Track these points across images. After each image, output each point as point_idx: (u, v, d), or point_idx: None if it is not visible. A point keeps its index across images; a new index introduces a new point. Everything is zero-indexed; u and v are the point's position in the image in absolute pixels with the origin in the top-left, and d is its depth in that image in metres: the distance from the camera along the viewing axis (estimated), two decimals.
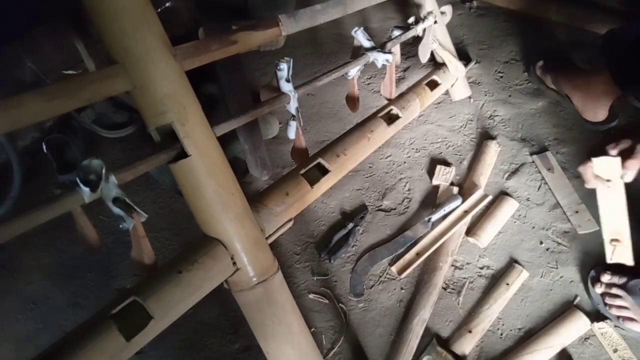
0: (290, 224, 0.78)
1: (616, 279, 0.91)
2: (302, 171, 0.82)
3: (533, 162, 1.18)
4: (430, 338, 0.94)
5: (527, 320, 0.94)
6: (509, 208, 1.08)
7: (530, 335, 0.92)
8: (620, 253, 0.92)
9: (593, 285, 0.93)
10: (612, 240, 0.92)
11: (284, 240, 1.12)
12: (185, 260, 0.62)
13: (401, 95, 1.07)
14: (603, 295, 0.92)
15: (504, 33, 1.49)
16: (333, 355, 0.95)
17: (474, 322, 0.93)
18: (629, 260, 0.92)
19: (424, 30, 1.10)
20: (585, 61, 1.35)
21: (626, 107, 1.22)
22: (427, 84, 1.14)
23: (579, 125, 1.22)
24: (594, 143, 0.94)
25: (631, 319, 0.88)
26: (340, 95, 1.34)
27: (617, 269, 0.93)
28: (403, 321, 0.97)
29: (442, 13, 1.20)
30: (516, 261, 1.02)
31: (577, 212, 1.06)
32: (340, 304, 1.01)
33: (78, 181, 0.54)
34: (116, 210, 0.58)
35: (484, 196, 1.10)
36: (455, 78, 1.25)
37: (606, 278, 0.92)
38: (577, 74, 1.22)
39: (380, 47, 0.95)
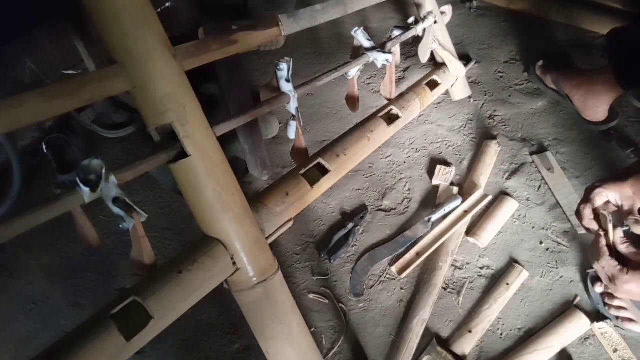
0: (290, 224, 0.78)
1: None
2: (302, 171, 0.82)
3: (533, 162, 1.18)
4: (430, 338, 0.94)
5: (527, 320, 0.94)
6: (509, 208, 1.08)
7: (530, 335, 0.92)
8: None
9: (593, 285, 0.93)
10: None
11: (284, 240, 1.12)
12: (185, 260, 0.62)
13: (401, 95, 1.07)
14: (603, 295, 0.92)
15: (504, 33, 1.49)
16: (333, 355, 0.95)
17: (474, 322, 0.93)
18: None
19: (424, 30, 1.10)
20: (585, 61, 1.35)
21: (626, 108, 1.23)
22: (427, 84, 1.14)
23: (579, 125, 1.22)
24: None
25: (630, 320, 0.88)
26: (340, 95, 1.34)
27: None
28: (403, 321, 0.97)
29: (442, 13, 1.20)
30: (516, 261, 1.02)
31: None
32: (340, 304, 1.01)
33: (78, 181, 0.54)
34: (116, 210, 0.58)
35: (484, 196, 1.10)
36: (455, 78, 1.25)
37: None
38: (578, 73, 1.22)
39: (380, 47, 0.95)
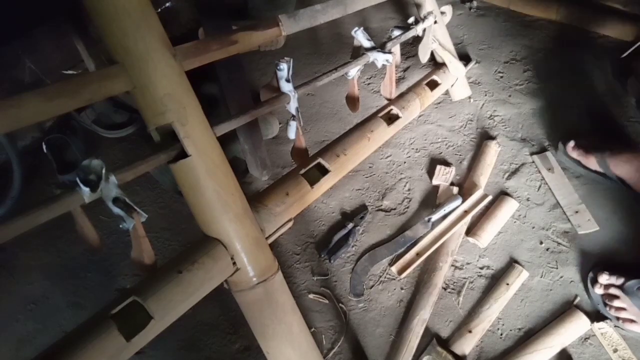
0: (290, 224, 0.78)
1: (614, 280, 0.91)
2: (302, 171, 0.82)
3: (533, 162, 1.18)
4: (430, 338, 0.94)
5: (527, 320, 0.94)
6: (509, 208, 1.08)
7: (530, 335, 0.92)
8: None
9: (593, 285, 0.93)
10: None
11: (284, 240, 1.12)
12: (185, 260, 0.62)
13: (401, 95, 1.07)
14: (602, 296, 0.92)
15: (504, 33, 1.49)
16: (333, 355, 0.95)
17: (474, 322, 0.93)
18: None
19: (424, 30, 1.10)
20: (587, 61, 1.34)
21: (626, 107, 1.22)
22: (427, 84, 1.14)
23: (630, 206, 1.07)
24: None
25: (630, 320, 0.88)
26: (340, 95, 1.34)
27: (615, 269, 0.93)
28: (403, 321, 0.97)
29: (442, 13, 1.20)
30: (516, 261, 1.02)
31: (577, 212, 1.06)
32: (340, 304, 1.01)
33: (78, 181, 0.54)
34: (116, 210, 0.58)
35: (484, 196, 1.10)
36: (455, 78, 1.25)
37: (604, 279, 0.92)
38: (627, 148, 1.06)
39: (380, 47, 0.95)
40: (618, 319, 0.89)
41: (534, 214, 1.09)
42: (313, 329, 0.98)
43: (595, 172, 1.09)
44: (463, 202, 1.09)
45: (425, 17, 1.08)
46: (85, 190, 0.54)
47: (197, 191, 0.63)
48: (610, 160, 1.04)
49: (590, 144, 1.09)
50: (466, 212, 1.08)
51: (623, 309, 0.88)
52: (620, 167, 1.03)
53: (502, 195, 1.12)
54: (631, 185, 1.02)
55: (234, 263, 0.67)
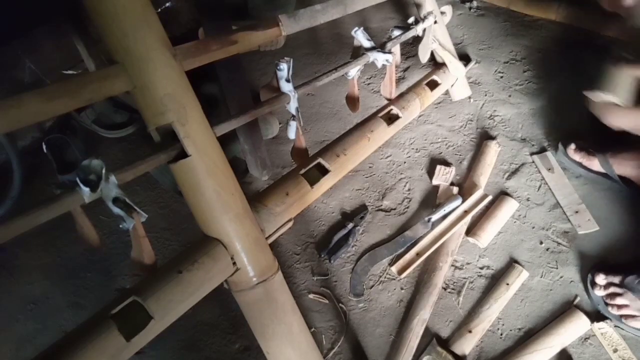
0: (290, 224, 0.78)
1: (611, 278, 0.91)
2: (302, 171, 0.82)
3: (533, 162, 1.18)
4: (430, 338, 0.94)
5: (527, 320, 0.94)
6: (509, 208, 1.08)
7: (530, 335, 0.92)
8: None
9: (592, 287, 0.93)
10: None
11: (284, 240, 1.12)
12: (185, 260, 0.62)
13: (401, 95, 1.07)
14: (604, 296, 0.92)
15: (504, 33, 1.49)
16: (333, 355, 0.95)
17: (474, 322, 0.93)
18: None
19: (424, 30, 1.10)
20: (590, 63, 1.34)
21: None
22: (427, 84, 1.14)
23: (632, 205, 1.07)
24: None
25: (633, 316, 0.88)
26: (340, 95, 1.34)
27: (613, 269, 0.93)
28: (403, 321, 0.97)
29: (442, 13, 1.20)
30: (516, 261, 1.02)
31: (577, 212, 1.06)
32: (340, 304, 1.01)
33: (78, 181, 0.54)
34: (116, 210, 0.58)
35: (484, 196, 1.10)
36: (455, 78, 1.25)
37: (601, 278, 0.92)
38: (627, 147, 1.04)
39: (380, 47, 0.95)
40: (621, 317, 0.89)
41: (534, 214, 1.09)
42: (313, 329, 0.98)
43: (597, 173, 1.09)
44: (463, 202, 1.09)
45: (425, 17, 1.08)
46: (85, 190, 0.54)
47: (197, 191, 0.63)
48: (613, 160, 1.05)
49: (590, 145, 1.09)
50: (466, 212, 1.08)
51: (625, 305, 0.88)
52: (624, 166, 1.03)
53: (502, 195, 1.12)
54: (637, 183, 1.02)
55: (234, 263, 0.67)
